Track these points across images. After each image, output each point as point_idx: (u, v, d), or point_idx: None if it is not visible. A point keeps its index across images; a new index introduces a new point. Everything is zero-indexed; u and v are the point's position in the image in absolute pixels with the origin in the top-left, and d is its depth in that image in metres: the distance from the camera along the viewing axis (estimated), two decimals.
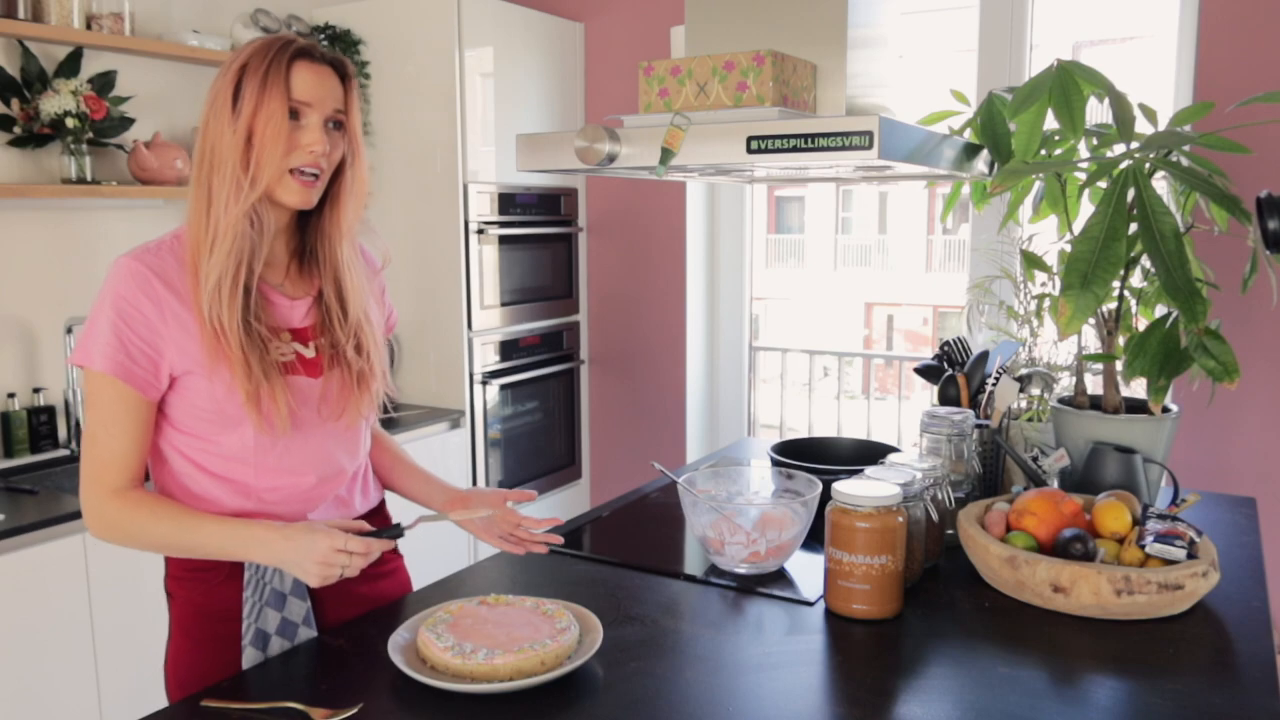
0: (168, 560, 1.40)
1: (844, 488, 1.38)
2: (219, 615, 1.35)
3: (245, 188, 1.24)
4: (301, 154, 1.27)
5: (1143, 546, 1.42)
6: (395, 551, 1.55)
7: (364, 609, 1.45)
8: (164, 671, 1.40)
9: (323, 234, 1.37)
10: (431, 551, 1.65)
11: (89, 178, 2.57)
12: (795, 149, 1.34)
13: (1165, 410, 1.79)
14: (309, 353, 1.36)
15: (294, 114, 1.26)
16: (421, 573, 1.62)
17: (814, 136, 1.32)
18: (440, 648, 1.20)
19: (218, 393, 1.27)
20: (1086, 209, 1.84)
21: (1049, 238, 2.15)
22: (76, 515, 2.12)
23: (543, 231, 3.38)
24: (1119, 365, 1.81)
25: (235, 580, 1.35)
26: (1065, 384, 2.08)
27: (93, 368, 1.23)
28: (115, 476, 1.26)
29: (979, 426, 1.79)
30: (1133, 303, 1.88)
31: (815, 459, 1.84)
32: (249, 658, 1.34)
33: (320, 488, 1.39)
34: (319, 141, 1.27)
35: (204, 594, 1.36)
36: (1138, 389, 1.91)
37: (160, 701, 1.22)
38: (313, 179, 1.29)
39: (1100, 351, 1.86)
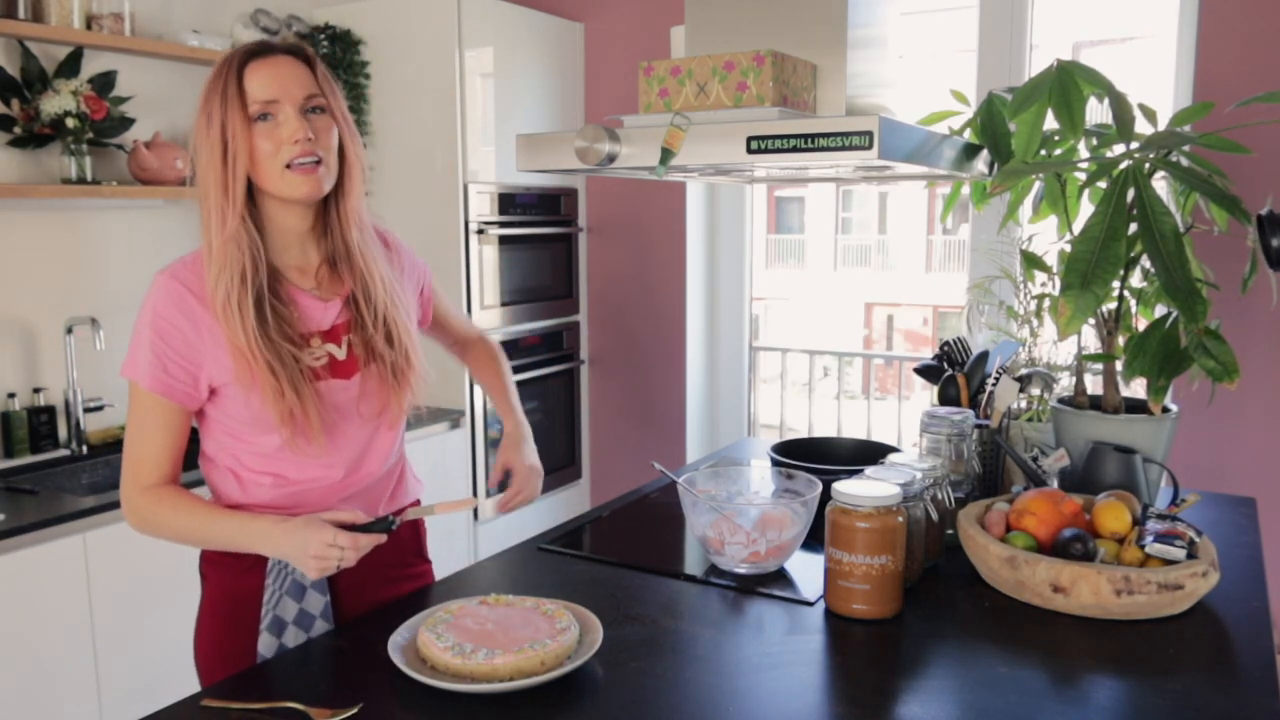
0: None
1: (844, 488, 1.38)
2: (244, 599, 1.40)
3: (227, 210, 1.27)
4: (289, 148, 1.28)
5: (1143, 546, 1.42)
6: (424, 557, 1.61)
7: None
8: (193, 646, 1.46)
9: (332, 223, 1.38)
10: (432, 551, 1.65)
11: (89, 178, 2.57)
12: (795, 149, 1.34)
13: (1165, 410, 1.79)
14: (340, 353, 1.38)
15: (266, 115, 1.28)
16: None
17: (814, 136, 1.32)
18: (440, 648, 1.20)
19: (254, 404, 1.31)
20: (1086, 209, 1.84)
21: (1049, 238, 2.15)
22: (76, 515, 2.12)
23: (543, 231, 3.38)
24: (1119, 365, 1.81)
25: (261, 567, 1.40)
26: (1065, 384, 2.08)
27: (140, 384, 1.30)
28: (147, 475, 1.33)
29: (979, 426, 1.79)
30: (1133, 303, 1.88)
31: (815, 459, 1.84)
32: (264, 643, 1.38)
33: (347, 483, 1.42)
34: (299, 129, 1.27)
35: (232, 578, 1.41)
36: (1138, 389, 1.91)
37: (159, 700, 1.22)
38: (313, 165, 1.30)
39: (1100, 351, 1.86)
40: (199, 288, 1.30)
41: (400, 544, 1.54)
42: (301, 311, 1.35)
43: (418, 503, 1.59)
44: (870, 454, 1.89)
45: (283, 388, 1.28)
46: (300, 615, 1.40)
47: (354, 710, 1.13)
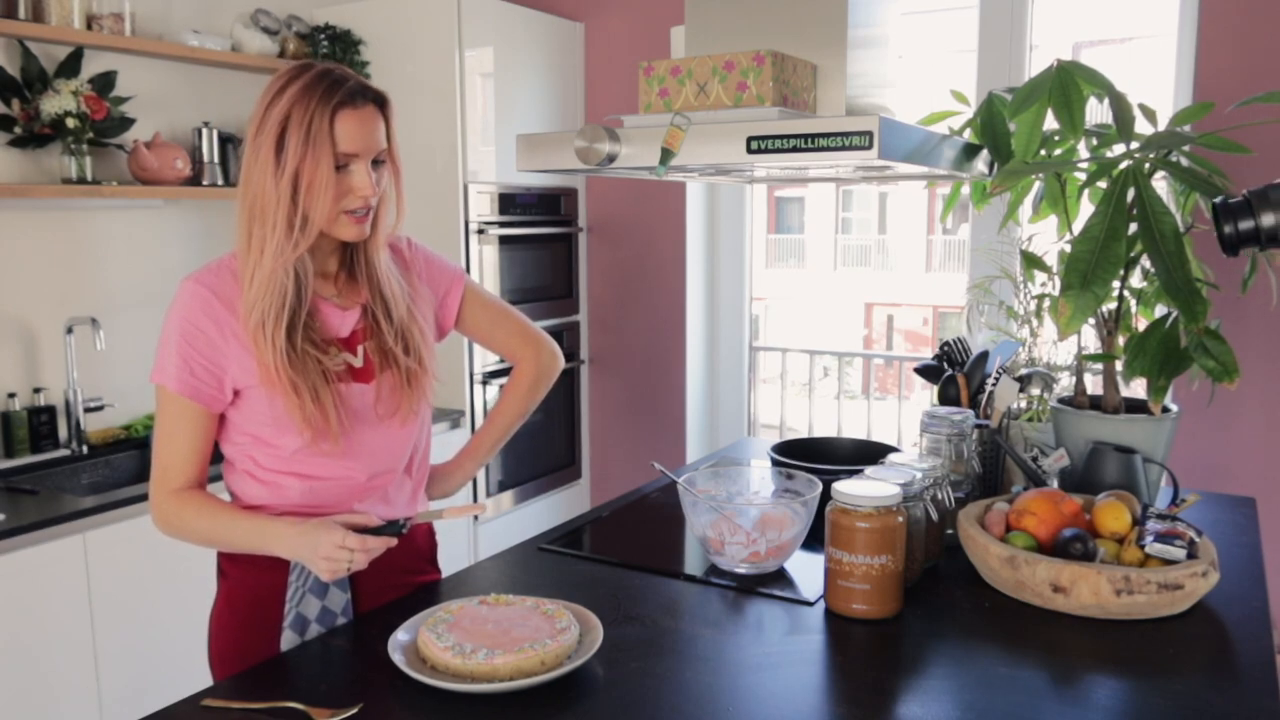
0: None
1: (844, 488, 1.38)
2: (264, 597, 1.41)
3: (290, 244, 1.29)
4: (353, 199, 1.32)
5: (1143, 546, 1.42)
6: (435, 565, 1.62)
7: None
8: (207, 643, 1.46)
9: (361, 247, 1.42)
10: None
11: (89, 178, 2.57)
12: (795, 149, 1.34)
13: (1165, 410, 1.79)
14: (357, 361, 1.41)
15: (342, 166, 1.30)
16: None
17: (814, 136, 1.32)
18: (440, 648, 1.20)
19: (277, 405, 1.34)
20: (1086, 209, 1.84)
21: (1049, 238, 2.15)
22: (76, 515, 2.12)
23: (543, 232, 3.38)
24: (1119, 365, 1.81)
25: (283, 566, 1.41)
26: (1065, 384, 2.08)
27: (168, 388, 1.33)
28: (175, 478, 1.36)
29: (979, 426, 1.79)
30: (1133, 303, 1.88)
31: (815, 459, 1.84)
32: (287, 640, 1.40)
33: (370, 482, 1.44)
34: (367, 187, 1.32)
35: (254, 575, 1.42)
36: (1138, 389, 1.91)
37: (159, 700, 1.22)
38: (365, 215, 1.35)
39: (1100, 351, 1.86)
40: (225, 293, 1.33)
41: (416, 550, 1.56)
42: (323, 320, 1.39)
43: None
44: (870, 454, 1.89)
45: (303, 401, 1.32)
46: (323, 613, 1.42)
47: (354, 710, 1.13)
